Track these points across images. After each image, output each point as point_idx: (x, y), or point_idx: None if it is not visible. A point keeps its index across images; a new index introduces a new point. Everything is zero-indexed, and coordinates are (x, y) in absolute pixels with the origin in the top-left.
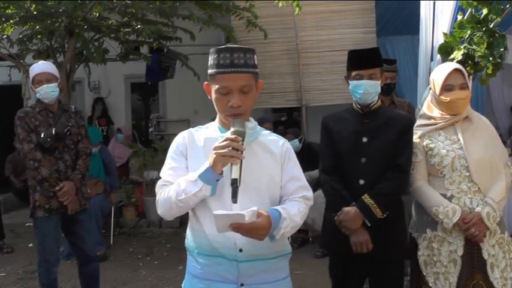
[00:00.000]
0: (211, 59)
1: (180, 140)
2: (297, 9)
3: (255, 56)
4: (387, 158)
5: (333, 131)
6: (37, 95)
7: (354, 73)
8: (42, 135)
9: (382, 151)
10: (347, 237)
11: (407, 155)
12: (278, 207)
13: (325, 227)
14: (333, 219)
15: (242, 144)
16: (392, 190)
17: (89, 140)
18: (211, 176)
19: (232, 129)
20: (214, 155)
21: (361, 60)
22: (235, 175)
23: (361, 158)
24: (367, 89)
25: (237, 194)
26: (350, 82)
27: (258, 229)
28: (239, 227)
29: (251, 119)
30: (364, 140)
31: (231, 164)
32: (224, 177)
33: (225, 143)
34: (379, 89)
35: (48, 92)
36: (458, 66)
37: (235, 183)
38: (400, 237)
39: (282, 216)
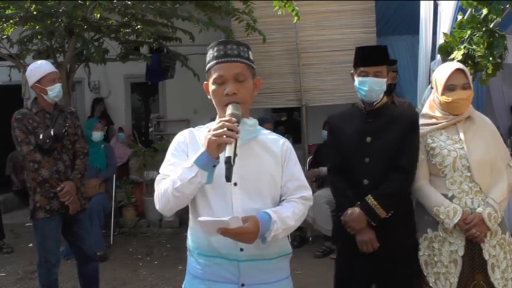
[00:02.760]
0: (208, 55)
1: (181, 138)
2: (295, 18)
3: (250, 52)
4: (391, 158)
5: (338, 130)
6: (50, 93)
7: (359, 70)
8: (41, 137)
9: (385, 151)
10: (354, 235)
11: (411, 154)
12: (268, 210)
13: (334, 225)
14: (339, 218)
15: (237, 126)
16: (395, 191)
17: (85, 140)
18: (207, 160)
19: (228, 112)
20: (208, 137)
21: (367, 58)
22: (229, 153)
23: (365, 158)
24: (372, 86)
25: (231, 174)
26: (356, 79)
27: (245, 233)
28: (226, 231)
29: (251, 117)
30: (368, 139)
31: (226, 145)
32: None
33: (219, 124)
34: (384, 87)
35: (61, 90)
36: (461, 66)
37: (229, 162)
38: (409, 237)
39: (272, 219)
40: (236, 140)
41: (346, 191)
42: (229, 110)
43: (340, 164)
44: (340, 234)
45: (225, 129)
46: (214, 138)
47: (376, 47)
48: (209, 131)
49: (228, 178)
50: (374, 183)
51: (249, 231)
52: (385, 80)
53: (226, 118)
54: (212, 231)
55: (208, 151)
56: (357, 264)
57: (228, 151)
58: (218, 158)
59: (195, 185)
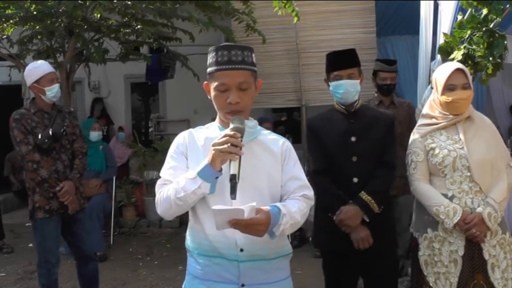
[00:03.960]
0: (209, 58)
1: (181, 140)
2: (295, 18)
3: (253, 55)
4: (377, 155)
5: (320, 132)
6: (48, 93)
7: (333, 74)
8: (39, 137)
9: (371, 149)
10: (341, 235)
11: (393, 151)
12: (278, 204)
13: (318, 227)
14: (327, 219)
15: (241, 141)
16: (384, 186)
17: (84, 139)
18: (210, 173)
19: (231, 125)
20: (213, 152)
21: (339, 61)
22: (233, 171)
23: (352, 157)
24: (347, 88)
25: (236, 190)
26: (330, 84)
27: (257, 225)
28: (238, 223)
29: (251, 118)
30: (353, 139)
31: (230, 160)
32: (225, 176)
33: (223, 139)
34: (358, 88)
35: (59, 91)
36: (461, 66)
37: (233, 179)
38: (391, 229)
39: (281, 213)
40: (240, 156)
41: (336, 191)
42: (233, 123)
43: (325, 165)
44: (326, 234)
45: (229, 144)
46: (218, 153)
47: (346, 50)
48: (213, 144)
49: (234, 196)
50: (363, 180)
51: (260, 223)
52: (358, 81)
53: (231, 133)
54: (224, 223)
55: (211, 164)
56: (344, 262)
57: (233, 168)
58: (221, 170)
59: (198, 195)
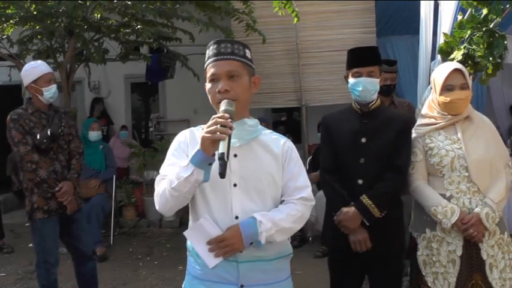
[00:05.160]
0: (206, 56)
1: (182, 138)
2: (295, 19)
3: (247, 50)
4: (386, 159)
5: (333, 130)
6: (46, 94)
7: (352, 71)
8: (38, 137)
9: (380, 152)
10: (344, 235)
11: (405, 155)
12: (255, 214)
13: (326, 225)
14: (332, 218)
15: (230, 121)
16: (389, 190)
17: (80, 139)
18: (202, 158)
19: (221, 109)
20: (202, 134)
21: (360, 58)
22: (222, 149)
23: (360, 158)
24: (366, 86)
25: (225, 170)
26: (349, 80)
27: (228, 239)
28: (212, 247)
29: (251, 117)
30: (363, 140)
31: (219, 142)
32: (225, 177)
33: (212, 121)
34: (377, 87)
35: (56, 91)
36: (459, 66)
37: (222, 158)
38: (399, 236)
39: (257, 220)
40: (230, 136)
41: (340, 191)
42: (222, 106)
43: (333, 163)
44: (333, 232)
45: (218, 126)
46: (207, 135)
47: (368, 47)
48: (203, 129)
49: (222, 174)
50: (368, 183)
51: (226, 238)
52: (378, 80)
53: (219, 115)
54: (206, 252)
55: (202, 149)
56: (349, 262)
57: (222, 147)
58: (214, 155)
59: (191, 183)
